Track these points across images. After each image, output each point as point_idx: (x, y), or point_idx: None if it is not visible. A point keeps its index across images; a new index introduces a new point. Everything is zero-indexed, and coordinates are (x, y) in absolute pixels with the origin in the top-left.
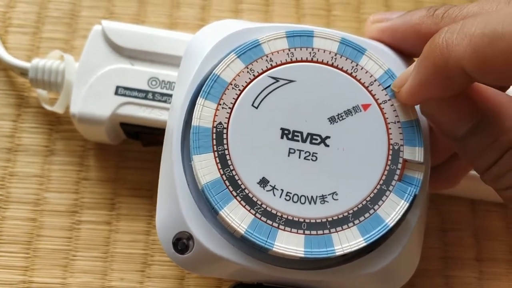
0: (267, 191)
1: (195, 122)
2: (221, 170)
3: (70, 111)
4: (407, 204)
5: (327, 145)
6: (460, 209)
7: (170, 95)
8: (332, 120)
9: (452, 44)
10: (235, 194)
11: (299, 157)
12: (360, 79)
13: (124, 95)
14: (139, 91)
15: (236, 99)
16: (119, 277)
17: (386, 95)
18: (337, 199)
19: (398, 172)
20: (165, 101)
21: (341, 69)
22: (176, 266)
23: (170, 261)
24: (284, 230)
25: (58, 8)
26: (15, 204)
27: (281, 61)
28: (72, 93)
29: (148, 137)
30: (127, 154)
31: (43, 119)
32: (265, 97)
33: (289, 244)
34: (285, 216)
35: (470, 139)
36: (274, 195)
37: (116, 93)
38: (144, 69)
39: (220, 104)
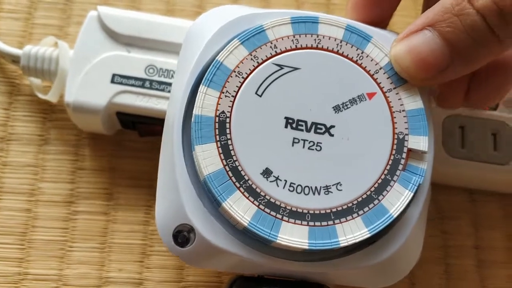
0: (270, 182)
1: (197, 111)
2: (224, 161)
3: (64, 100)
4: (412, 194)
5: (331, 135)
6: (458, 198)
7: (168, 84)
8: (337, 109)
9: None
10: (238, 185)
11: (303, 147)
12: (366, 67)
13: (121, 83)
14: (136, 79)
15: (240, 87)
16: (117, 268)
17: (391, 83)
18: (341, 190)
19: (402, 161)
20: (163, 90)
21: (346, 57)
22: (176, 257)
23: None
24: (288, 221)
25: None
26: (8, 194)
27: (285, 47)
28: (67, 81)
29: (145, 127)
30: (124, 144)
31: (36, 107)
32: (269, 85)
33: (293, 235)
34: (289, 208)
35: None
36: (278, 186)
37: (112, 81)
38: (141, 56)
39: (223, 92)
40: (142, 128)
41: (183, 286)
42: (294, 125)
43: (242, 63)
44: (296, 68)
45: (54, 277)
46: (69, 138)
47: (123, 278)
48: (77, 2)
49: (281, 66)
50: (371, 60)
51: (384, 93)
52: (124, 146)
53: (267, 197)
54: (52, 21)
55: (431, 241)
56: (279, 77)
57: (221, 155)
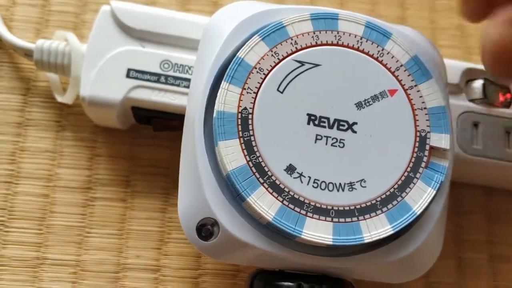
0: (294, 178)
1: (219, 107)
2: (247, 157)
3: (80, 95)
4: (434, 192)
5: (354, 132)
6: (473, 192)
7: (184, 79)
8: (359, 105)
9: None
10: (262, 181)
11: (326, 144)
12: (386, 64)
13: (136, 78)
14: (151, 74)
15: (261, 84)
16: (135, 254)
17: (412, 80)
18: (365, 186)
19: (425, 159)
20: (178, 85)
21: (367, 53)
22: None
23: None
24: (312, 217)
25: None
26: (26, 179)
27: (306, 44)
28: (81, 76)
29: (160, 122)
30: (142, 131)
31: None
32: (290, 81)
33: (317, 231)
34: (313, 204)
35: None
36: (302, 182)
37: (128, 76)
38: (156, 51)
39: (245, 89)
40: (157, 123)
41: (200, 273)
42: (316, 122)
43: (263, 59)
44: (317, 65)
45: (72, 263)
46: (87, 125)
47: (141, 265)
48: None
49: (302, 63)
50: (392, 57)
51: (405, 90)
52: (141, 134)
53: (291, 193)
54: (69, 8)
55: (445, 234)
56: (300, 73)
57: (244, 151)
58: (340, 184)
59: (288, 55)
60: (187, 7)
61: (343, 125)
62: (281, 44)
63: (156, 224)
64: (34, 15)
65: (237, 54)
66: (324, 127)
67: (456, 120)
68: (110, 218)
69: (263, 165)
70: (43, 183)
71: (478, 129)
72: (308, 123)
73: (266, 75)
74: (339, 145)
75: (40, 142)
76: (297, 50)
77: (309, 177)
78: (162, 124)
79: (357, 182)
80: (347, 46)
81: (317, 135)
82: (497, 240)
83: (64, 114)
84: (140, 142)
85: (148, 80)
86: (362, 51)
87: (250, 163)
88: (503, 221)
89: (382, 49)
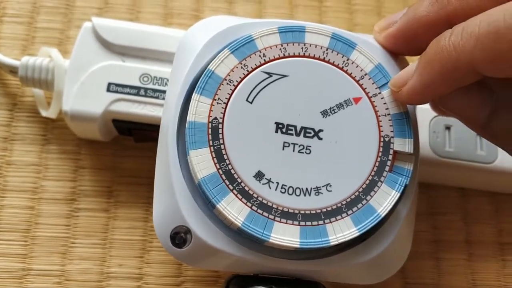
0: (263, 184)
1: (190, 117)
2: (217, 165)
3: (62, 109)
4: (398, 194)
5: (320, 138)
6: (449, 194)
7: (162, 91)
8: (324, 113)
9: (459, 46)
10: (231, 187)
11: (293, 151)
12: (351, 73)
13: (116, 91)
14: (131, 87)
15: (231, 95)
16: (118, 263)
17: (376, 88)
18: (330, 191)
19: (389, 163)
20: (157, 97)
21: (333, 64)
22: None
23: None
24: (280, 221)
25: None
26: (12, 192)
27: (274, 56)
28: (64, 90)
29: (140, 133)
30: (124, 142)
31: None
32: (259, 92)
33: (285, 235)
34: (281, 208)
35: (496, 122)
36: (270, 188)
37: (108, 89)
38: (135, 65)
39: (215, 100)
40: (138, 135)
41: (182, 280)
42: (284, 130)
43: (233, 71)
44: (284, 76)
45: (57, 273)
46: (71, 138)
47: (124, 273)
48: (78, 6)
49: (270, 74)
50: (357, 67)
51: (369, 97)
52: (124, 145)
53: (259, 198)
54: (54, 25)
55: (423, 236)
56: (268, 84)
57: (214, 159)
58: (306, 189)
59: (257, 67)
60: (169, 21)
61: (310, 133)
62: (250, 57)
63: (138, 233)
64: (21, 32)
65: (208, 67)
66: (292, 134)
67: (429, 124)
68: (94, 228)
69: (233, 172)
70: (28, 195)
71: (451, 132)
72: (276, 131)
73: (236, 87)
74: (305, 152)
75: (25, 155)
76: (266, 62)
77: (277, 183)
78: (143, 135)
79: (323, 186)
80: (313, 57)
81: (284, 142)
82: (474, 239)
83: (49, 128)
84: (122, 153)
85: (128, 93)
86: (328, 62)
87: (220, 170)
88: (479, 221)
89: (347, 59)
